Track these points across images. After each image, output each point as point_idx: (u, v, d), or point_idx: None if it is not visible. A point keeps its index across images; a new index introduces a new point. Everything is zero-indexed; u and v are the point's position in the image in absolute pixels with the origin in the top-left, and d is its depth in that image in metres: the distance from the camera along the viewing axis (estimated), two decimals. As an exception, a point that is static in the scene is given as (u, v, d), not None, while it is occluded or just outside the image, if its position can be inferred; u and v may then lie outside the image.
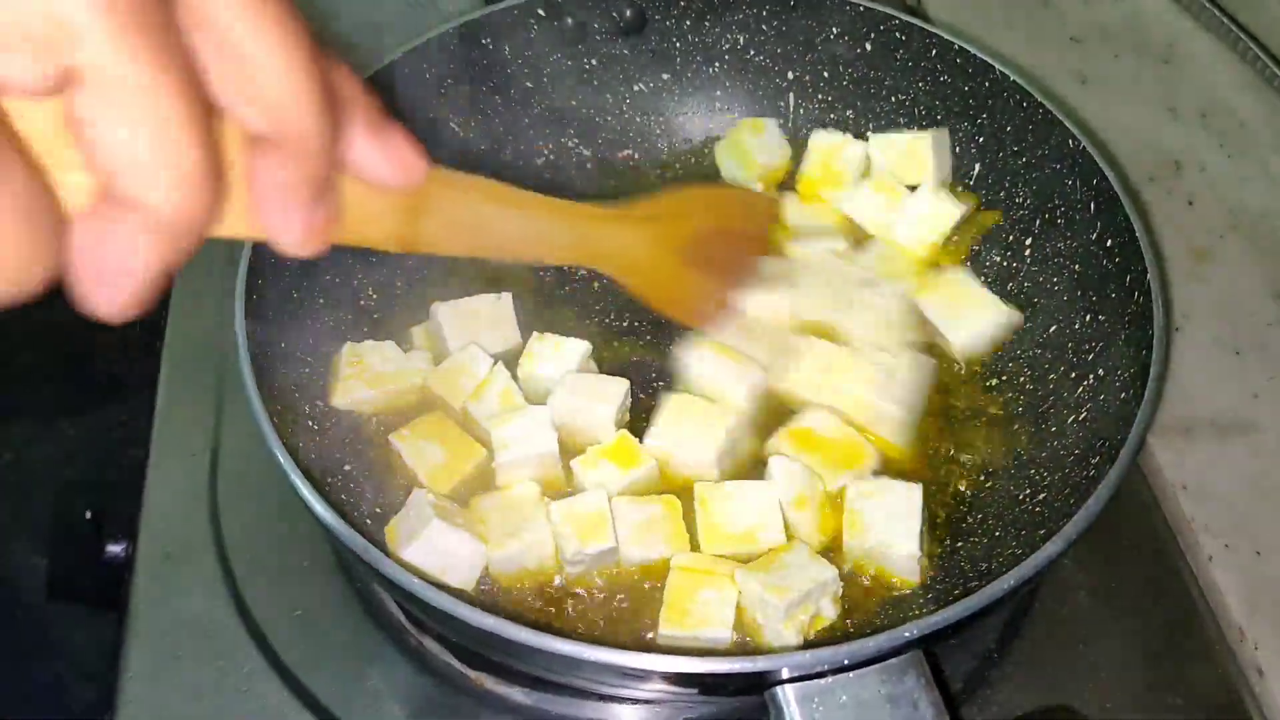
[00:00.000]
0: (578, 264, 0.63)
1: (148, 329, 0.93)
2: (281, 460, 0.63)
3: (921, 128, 0.91)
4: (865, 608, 0.72)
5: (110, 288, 0.34)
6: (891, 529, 0.71)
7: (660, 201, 0.70)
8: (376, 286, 0.84)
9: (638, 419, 0.79)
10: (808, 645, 0.58)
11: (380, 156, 0.41)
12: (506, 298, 0.83)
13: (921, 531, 0.71)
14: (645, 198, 0.70)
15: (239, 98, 0.34)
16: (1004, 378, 0.82)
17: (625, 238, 0.67)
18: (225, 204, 0.35)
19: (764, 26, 0.94)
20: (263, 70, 0.34)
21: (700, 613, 0.68)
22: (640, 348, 0.84)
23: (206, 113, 0.33)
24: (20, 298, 0.32)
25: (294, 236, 0.39)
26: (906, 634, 0.57)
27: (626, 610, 0.71)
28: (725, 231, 0.75)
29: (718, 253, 0.75)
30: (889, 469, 0.77)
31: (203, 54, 0.33)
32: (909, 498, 0.72)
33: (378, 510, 0.72)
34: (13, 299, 0.32)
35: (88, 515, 0.84)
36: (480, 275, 0.85)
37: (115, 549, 0.81)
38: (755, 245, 0.81)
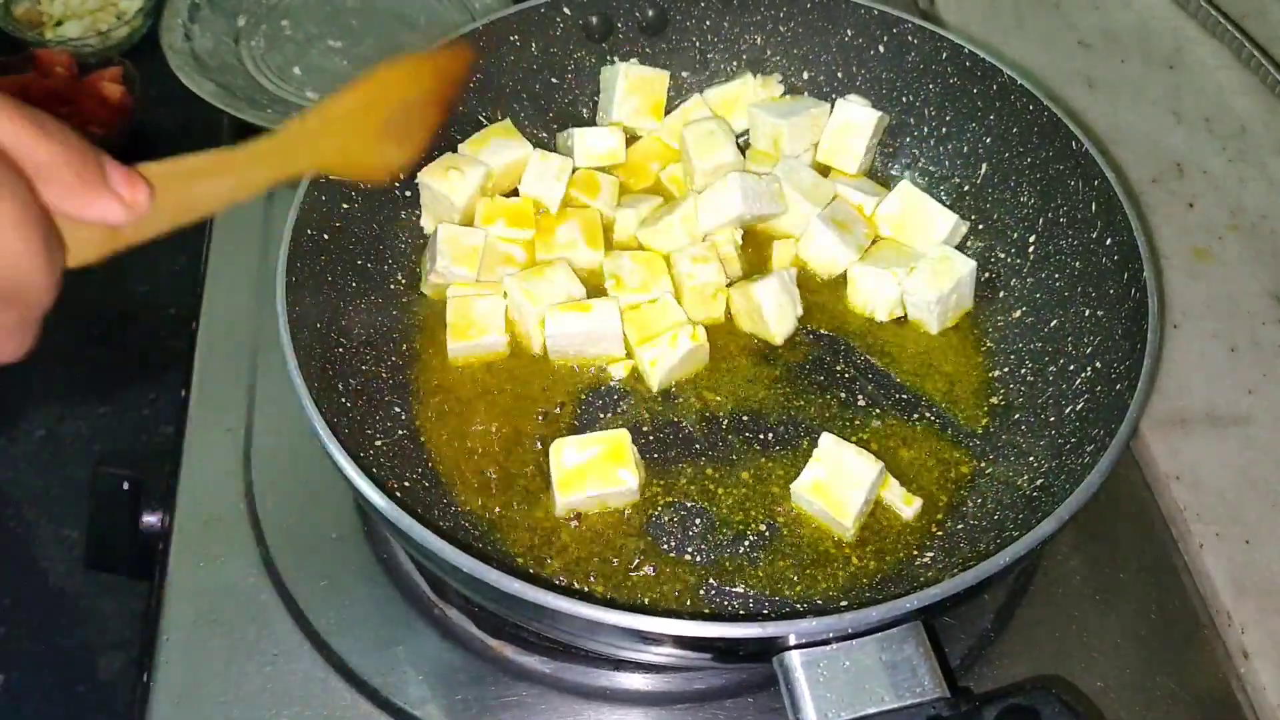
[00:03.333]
0: (284, 182, 0.66)
1: (182, 309, 0.96)
2: (323, 435, 0.66)
3: (930, 127, 0.94)
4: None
5: None
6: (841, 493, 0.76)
7: (356, 92, 0.72)
8: (405, 272, 0.87)
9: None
10: (813, 614, 0.61)
11: (109, 204, 0.47)
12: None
13: (863, 506, 0.76)
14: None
15: None
16: (1006, 369, 0.85)
17: (320, 145, 0.70)
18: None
19: (780, 28, 0.97)
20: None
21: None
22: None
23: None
24: None
25: (116, 214, 0.47)
26: (907, 605, 0.60)
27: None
28: (416, 100, 0.77)
29: (409, 119, 0.77)
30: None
31: None
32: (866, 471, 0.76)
33: (406, 484, 0.76)
34: None
35: (125, 486, 0.87)
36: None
37: (151, 519, 0.85)
38: (441, 98, 0.81)
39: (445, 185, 0.87)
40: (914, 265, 0.87)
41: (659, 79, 0.96)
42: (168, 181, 0.54)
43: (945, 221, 0.89)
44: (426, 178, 0.87)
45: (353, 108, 0.72)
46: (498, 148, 0.90)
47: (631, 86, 0.95)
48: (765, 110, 0.94)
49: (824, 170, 0.95)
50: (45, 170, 0.44)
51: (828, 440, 0.77)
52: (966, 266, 0.87)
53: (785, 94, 0.98)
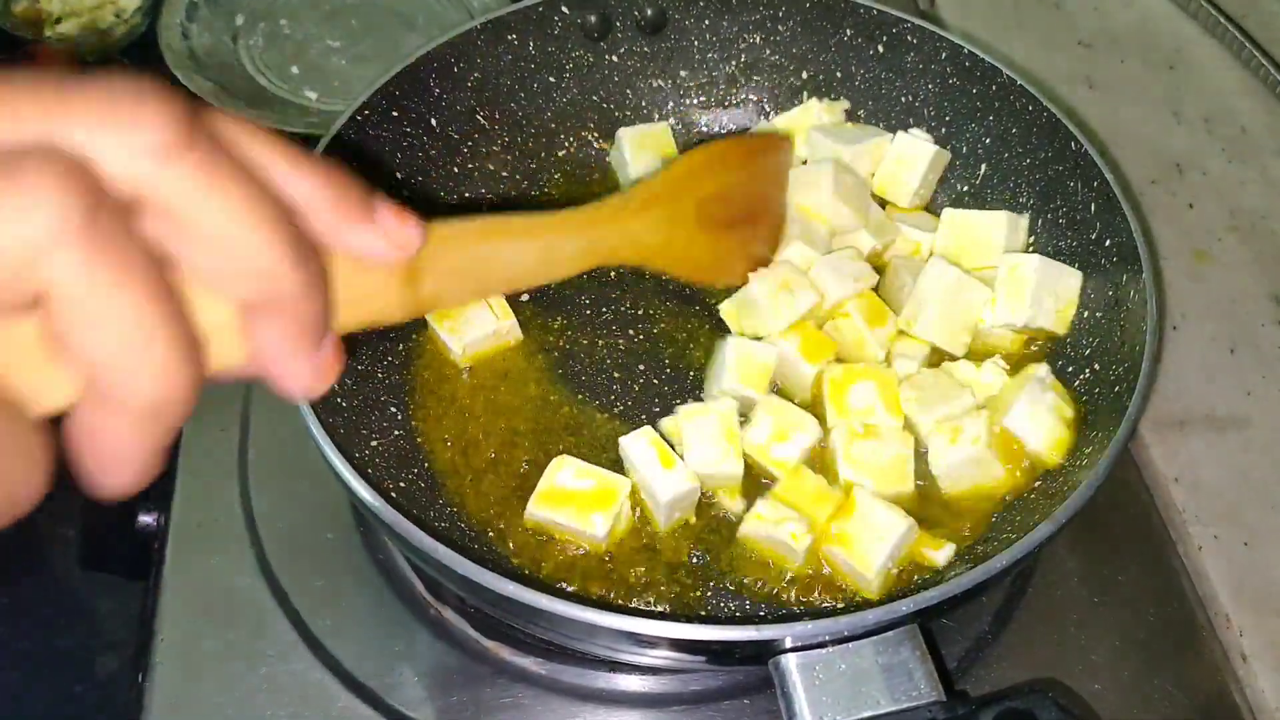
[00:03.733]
0: (595, 267, 0.62)
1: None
2: (317, 435, 0.66)
3: (930, 127, 0.94)
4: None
5: (111, 475, 0.35)
6: (864, 545, 0.72)
7: (668, 175, 0.69)
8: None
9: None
10: (809, 617, 0.61)
11: (375, 241, 0.41)
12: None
13: (886, 561, 0.72)
14: (648, 176, 0.70)
15: (224, 277, 0.36)
16: (1011, 371, 0.85)
17: (633, 229, 0.65)
18: (213, 367, 0.37)
19: (780, 27, 0.97)
20: (242, 249, 0.35)
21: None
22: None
23: (176, 305, 0.34)
24: (18, 515, 0.34)
25: (303, 381, 0.40)
26: (903, 608, 0.60)
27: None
28: (736, 185, 0.74)
29: (735, 207, 0.74)
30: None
31: (175, 246, 0.35)
32: (895, 525, 0.73)
33: (402, 485, 0.76)
34: (11, 516, 0.34)
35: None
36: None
37: (147, 519, 0.85)
38: (773, 188, 0.80)
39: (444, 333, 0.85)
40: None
41: (663, 132, 0.95)
42: (455, 237, 0.48)
43: (998, 226, 0.86)
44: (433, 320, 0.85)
45: (664, 186, 0.68)
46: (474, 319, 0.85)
47: (638, 145, 0.94)
48: (826, 135, 0.92)
49: (881, 203, 0.93)
50: (303, 200, 0.39)
51: (861, 495, 0.75)
52: (1031, 264, 0.81)
53: (848, 121, 0.97)
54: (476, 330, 0.84)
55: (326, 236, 0.40)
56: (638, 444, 0.76)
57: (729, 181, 0.74)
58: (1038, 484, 0.76)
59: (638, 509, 0.77)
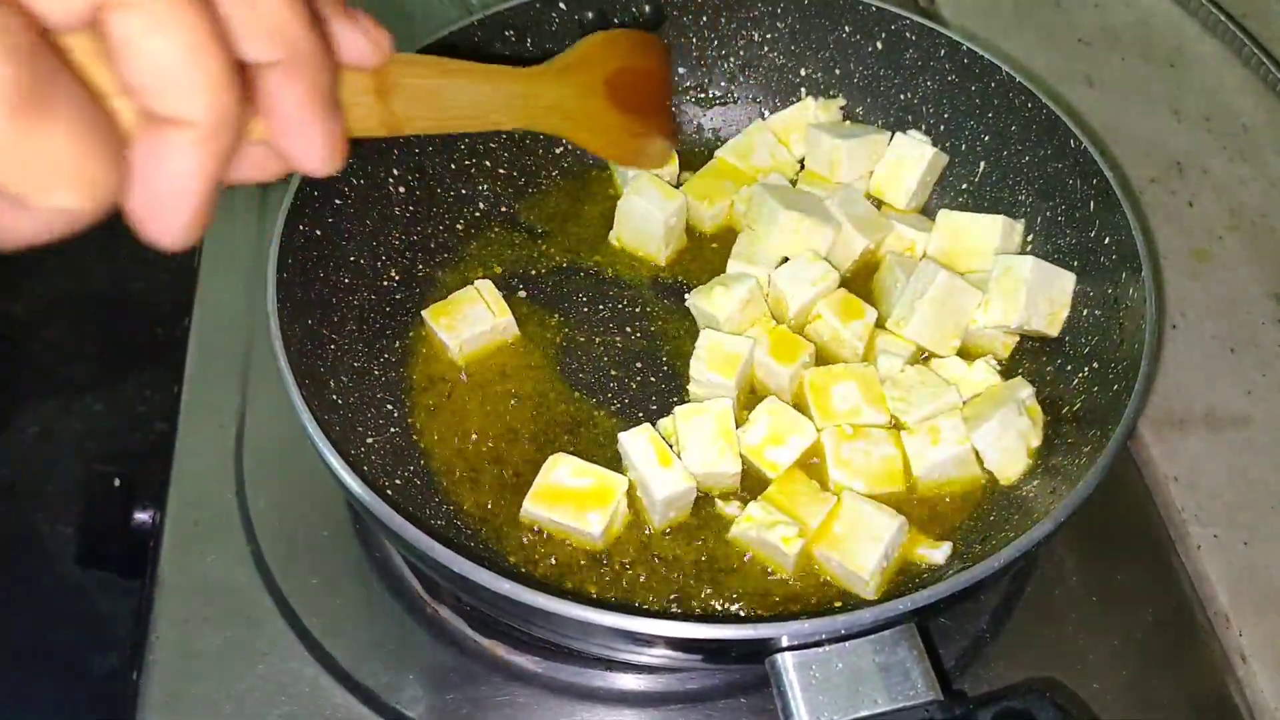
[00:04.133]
0: (526, 127, 0.71)
1: (175, 305, 0.96)
2: (312, 432, 0.66)
3: (928, 125, 0.93)
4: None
5: (168, 210, 0.37)
6: (857, 546, 0.72)
7: (571, 52, 0.77)
8: (399, 268, 0.87)
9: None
10: (806, 615, 0.61)
11: (358, 36, 0.46)
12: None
13: (880, 560, 0.72)
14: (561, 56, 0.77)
15: (248, 29, 0.38)
16: (1004, 370, 0.84)
17: (556, 91, 0.74)
18: (252, 120, 0.41)
19: (778, 24, 0.96)
20: (266, 5, 0.38)
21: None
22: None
23: (224, 38, 0.36)
24: (88, 216, 0.36)
25: (319, 150, 0.43)
26: (900, 607, 0.60)
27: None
28: (635, 70, 0.83)
29: (636, 92, 0.82)
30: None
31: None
32: (886, 524, 0.73)
33: (398, 482, 0.75)
34: (82, 217, 0.36)
35: (117, 483, 0.87)
36: (498, 263, 0.89)
37: (143, 516, 0.84)
38: (662, 84, 0.89)
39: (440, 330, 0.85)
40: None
41: None
42: (419, 63, 0.55)
43: (993, 230, 0.85)
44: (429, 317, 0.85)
45: (575, 58, 0.77)
46: (471, 316, 0.85)
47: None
48: (825, 131, 0.92)
49: (876, 203, 0.93)
50: None
51: (850, 498, 0.75)
52: (1025, 266, 0.81)
53: (845, 119, 0.97)
54: (473, 328, 0.84)
55: (329, 25, 0.44)
56: (637, 441, 0.76)
57: (628, 64, 0.82)
58: (1034, 483, 0.75)
59: (633, 506, 0.77)
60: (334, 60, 0.44)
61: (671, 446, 0.77)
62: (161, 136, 0.36)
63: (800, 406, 0.81)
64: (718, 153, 0.96)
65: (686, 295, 0.87)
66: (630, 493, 0.76)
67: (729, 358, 0.80)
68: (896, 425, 0.80)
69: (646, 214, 0.89)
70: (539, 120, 0.73)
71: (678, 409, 0.78)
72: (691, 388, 0.82)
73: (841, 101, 0.97)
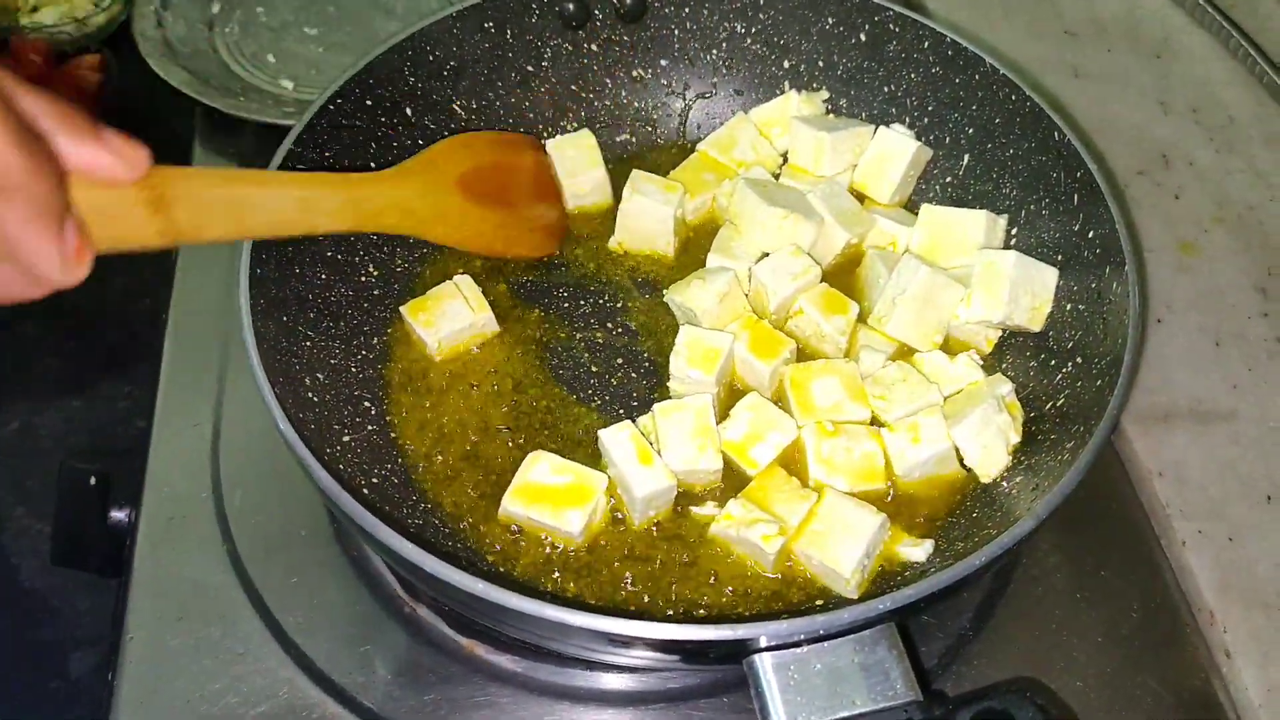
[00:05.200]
0: (359, 229, 0.72)
1: (153, 303, 0.95)
2: (285, 431, 0.65)
3: (912, 118, 0.93)
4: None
5: None
6: (837, 544, 0.71)
7: (418, 157, 0.78)
8: (377, 264, 0.86)
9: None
10: (785, 615, 0.60)
11: (102, 155, 0.48)
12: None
13: (862, 559, 0.71)
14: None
15: None
16: (986, 365, 0.84)
17: (392, 193, 0.74)
18: None
19: (761, 15, 0.95)
20: None
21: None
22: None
23: None
24: None
25: (55, 263, 0.46)
26: (880, 606, 0.59)
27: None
28: (498, 164, 0.83)
29: (499, 186, 0.83)
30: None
31: None
32: (866, 522, 0.72)
33: (374, 481, 0.74)
34: None
35: (93, 481, 0.86)
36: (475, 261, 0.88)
37: (119, 515, 0.83)
38: (533, 178, 0.89)
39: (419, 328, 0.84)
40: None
41: (583, 136, 0.93)
42: (201, 175, 0.57)
43: (976, 224, 0.85)
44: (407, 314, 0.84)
45: (418, 163, 0.77)
46: (450, 312, 0.84)
47: (562, 152, 0.93)
48: (809, 124, 0.92)
49: (859, 197, 0.92)
50: (33, 113, 0.45)
51: (831, 495, 0.74)
52: (1008, 261, 0.80)
53: (829, 112, 0.96)
54: (452, 323, 0.83)
55: (59, 147, 0.46)
56: (617, 438, 0.75)
57: (484, 161, 0.82)
58: (1017, 479, 0.75)
59: (611, 499, 0.76)
60: (54, 179, 0.46)
61: (652, 444, 0.76)
62: None
63: (781, 403, 0.80)
64: (699, 146, 0.95)
65: (665, 290, 0.87)
66: (611, 489, 0.76)
67: (709, 353, 0.79)
68: (877, 422, 0.79)
69: (652, 212, 0.88)
70: (375, 221, 0.73)
71: (657, 406, 0.78)
72: (672, 384, 0.81)
73: (825, 94, 0.96)
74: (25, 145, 0.43)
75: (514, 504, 0.74)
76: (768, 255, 0.85)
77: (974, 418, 0.75)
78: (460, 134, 0.82)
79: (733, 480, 0.77)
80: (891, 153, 0.90)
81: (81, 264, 0.48)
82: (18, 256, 0.45)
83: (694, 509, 0.76)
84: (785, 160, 0.95)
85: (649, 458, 0.74)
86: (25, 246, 0.45)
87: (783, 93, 0.97)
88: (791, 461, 0.78)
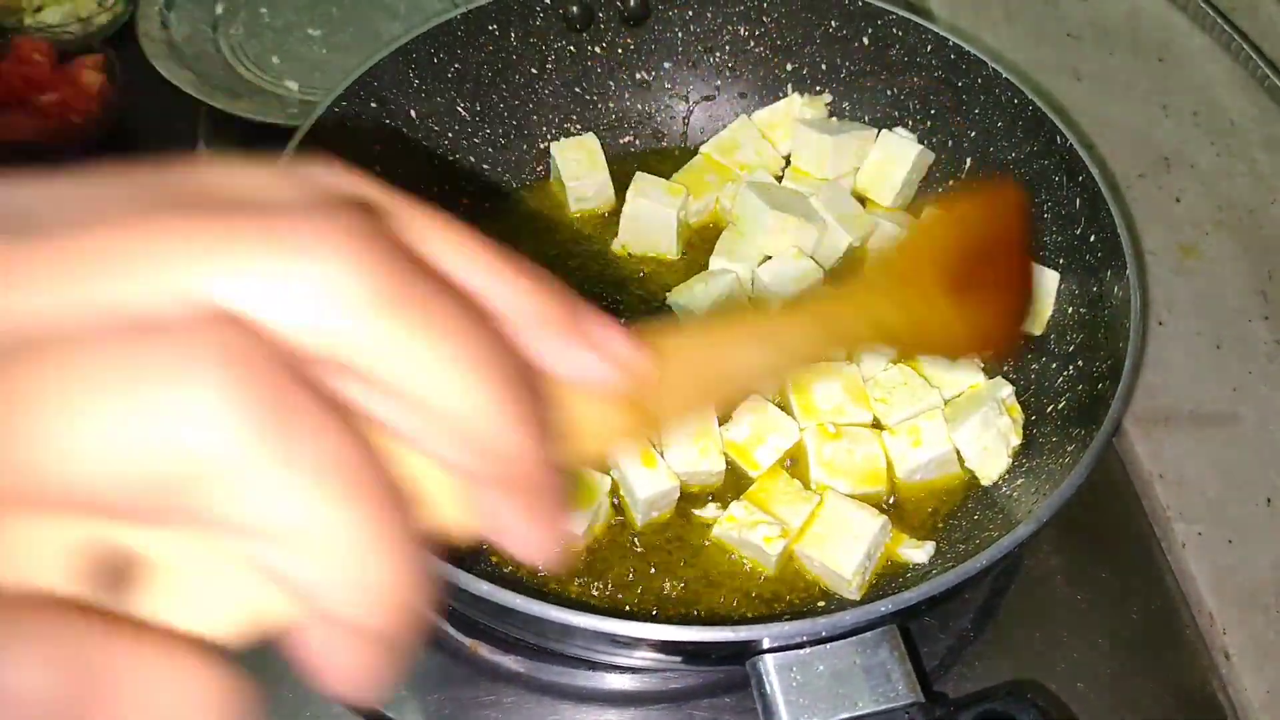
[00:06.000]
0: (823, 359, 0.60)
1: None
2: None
3: (915, 121, 0.93)
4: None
5: (352, 689, 0.26)
6: (839, 545, 0.72)
7: (892, 249, 0.60)
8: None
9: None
10: (787, 618, 0.61)
11: (592, 362, 0.32)
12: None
13: (863, 560, 0.71)
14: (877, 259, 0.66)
15: (439, 447, 0.27)
16: (987, 368, 0.84)
17: (874, 310, 0.55)
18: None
19: (764, 18, 0.96)
20: (465, 415, 0.26)
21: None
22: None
23: (396, 500, 0.25)
24: None
25: (538, 550, 0.30)
26: (882, 608, 0.59)
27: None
28: (979, 243, 0.63)
29: (973, 265, 0.62)
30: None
31: (371, 407, 0.26)
32: (868, 524, 0.72)
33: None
34: None
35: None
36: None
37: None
38: (1016, 245, 0.67)
39: None
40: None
41: (588, 139, 0.94)
42: (682, 350, 0.39)
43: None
44: None
45: (897, 262, 0.58)
46: None
47: (568, 159, 0.92)
48: (812, 127, 0.92)
49: (861, 200, 0.92)
50: (513, 312, 0.30)
51: (832, 497, 0.74)
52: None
53: (832, 115, 0.97)
54: None
55: (543, 359, 0.31)
56: None
57: (969, 244, 0.63)
58: (1019, 482, 0.75)
59: (614, 499, 0.76)
60: (561, 452, 0.31)
61: (654, 445, 0.76)
62: (321, 630, 0.25)
63: (783, 406, 0.80)
64: (702, 149, 0.95)
65: (667, 293, 0.87)
66: (614, 491, 0.76)
67: None
68: (878, 425, 0.80)
69: (655, 214, 0.88)
70: (839, 345, 0.57)
71: None
72: None
73: (827, 98, 0.96)
74: (535, 416, 0.28)
75: None
76: (770, 258, 0.86)
77: (975, 421, 0.76)
78: (948, 208, 0.64)
79: (734, 482, 0.78)
80: (894, 156, 0.90)
81: (565, 537, 0.32)
82: (500, 541, 0.30)
83: (696, 511, 0.77)
84: (788, 163, 0.95)
85: (652, 460, 0.75)
86: (508, 536, 0.30)
87: (785, 95, 0.97)
88: (793, 464, 0.78)
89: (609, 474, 0.76)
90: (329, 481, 0.23)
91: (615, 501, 0.77)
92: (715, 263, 0.87)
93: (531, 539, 0.29)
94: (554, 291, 0.31)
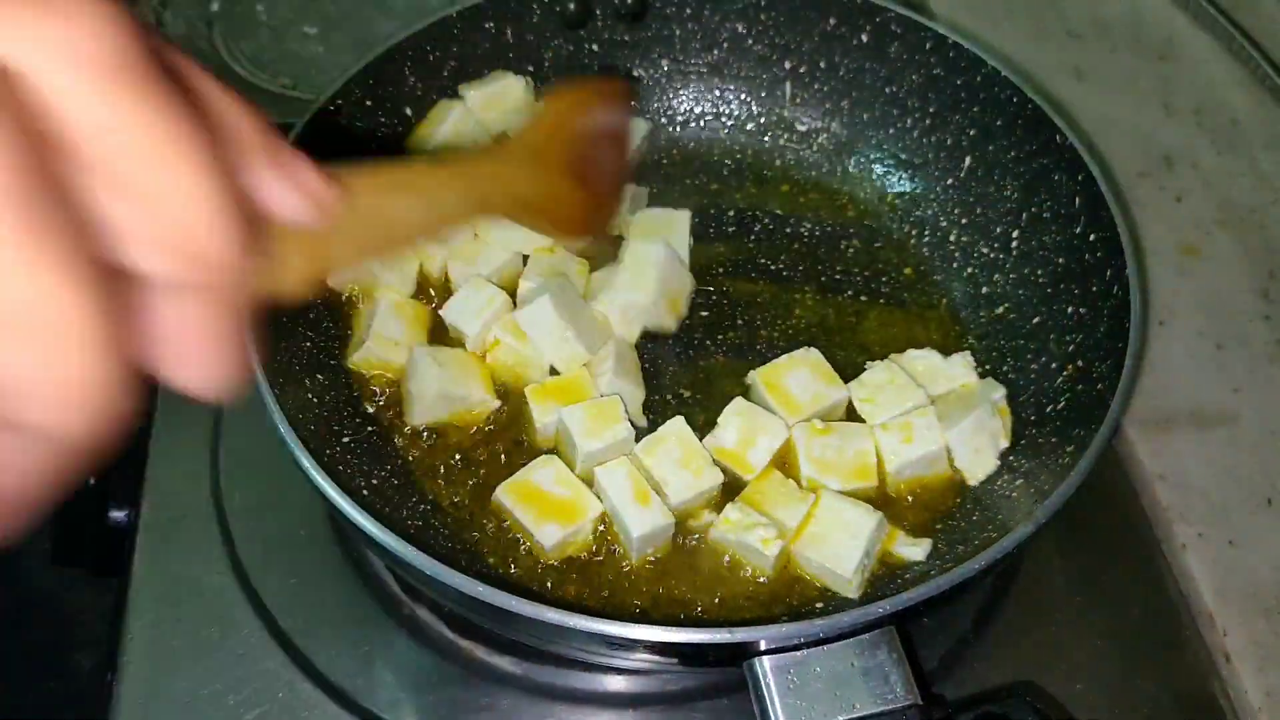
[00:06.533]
0: (476, 220, 0.65)
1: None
2: (283, 432, 0.65)
3: (915, 119, 0.92)
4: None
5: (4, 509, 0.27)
6: (836, 544, 0.71)
7: (526, 128, 0.68)
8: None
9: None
10: (785, 619, 0.60)
11: (289, 194, 0.34)
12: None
13: (861, 558, 0.70)
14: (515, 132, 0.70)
15: (139, 243, 0.28)
16: (987, 366, 0.84)
17: (511, 180, 0.63)
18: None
19: (763, 16, 0.95)
20: (180, 204, 0.28)
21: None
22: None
23: (116, 301, 0.26)
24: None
25: (209, 380, 0.31)
26: (880, 610, 0.59)
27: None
28: (591, 134, 0.72)
29: (593, 157, 0.71)
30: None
31: (95, 200, 0.27)
32: (864, 521, 0.72)
33: (374, 482, 0.74)
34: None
35: (91, 481, 0.86)
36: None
37: (118, 515, 0.83)
38: (620, 137, 0.78)
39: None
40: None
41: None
42: (360, 193, 0.42)
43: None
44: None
45: (532, 139, 0.66)
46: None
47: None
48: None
49: None
50: (230, 130, 0.32)
51: (826, 496, 0.74)
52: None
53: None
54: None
55: (248, 181, 0.33)
56: (613, 476, 0.74)
57: (587, 129, 0.72)
58: (1018, 483, 0.74)
59: (602, 527, 0.75)
60: (254, 274, 0.31)
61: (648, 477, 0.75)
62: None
63: (765, 406, 0.80)
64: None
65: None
66: (606, 521, 0.75)
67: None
68: (856, 416, 0.80)
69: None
70: (484, 211, 0.62)
71: (637, 447, 0.76)
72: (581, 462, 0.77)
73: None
74: (236, 220, 0.29)
75: (505, 496, 0.74)
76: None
77: (968, 422, 0.75)
78: (571, 91, 0.71)
79: (728, 487, 0.77)
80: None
81: (241, 377, 0.32)
82: (166, 367, 0.30)
83: (691, 521, 0.76)
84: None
85: (646, 497, 0.73)
86: (186, 360, 0.30)
87: (784, 94, 0.96)
88: (785, 463, 0.78)
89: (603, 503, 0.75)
90: (53, 259, 0.24)
91: (602, 529, 0.75)
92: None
93: (203, 361, 0.30)
94: (262, 120, 0.33)
